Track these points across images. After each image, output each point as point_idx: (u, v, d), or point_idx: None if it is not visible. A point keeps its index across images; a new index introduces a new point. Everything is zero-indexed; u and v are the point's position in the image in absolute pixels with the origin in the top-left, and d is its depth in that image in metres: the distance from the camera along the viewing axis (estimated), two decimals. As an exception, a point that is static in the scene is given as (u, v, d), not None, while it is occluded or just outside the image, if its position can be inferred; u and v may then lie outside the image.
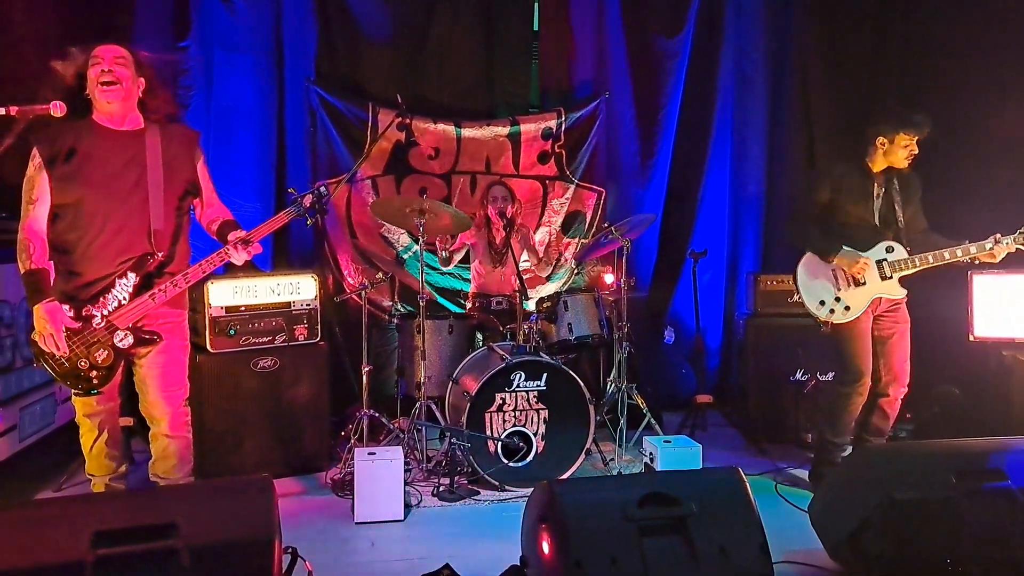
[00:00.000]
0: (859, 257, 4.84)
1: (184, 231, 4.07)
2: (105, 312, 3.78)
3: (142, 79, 3.92)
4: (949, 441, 4.00)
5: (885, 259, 4.88)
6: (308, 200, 4.18)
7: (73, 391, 3.87)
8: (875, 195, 4.95)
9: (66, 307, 3.72)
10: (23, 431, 4.98)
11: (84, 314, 3.76)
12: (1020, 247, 4.62)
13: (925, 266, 4.81)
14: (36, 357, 3.79)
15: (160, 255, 3.88)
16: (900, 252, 4.87)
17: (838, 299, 4.93)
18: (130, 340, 3.83)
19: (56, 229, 3.80)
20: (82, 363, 3.76)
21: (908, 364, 5.00)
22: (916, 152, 4.85)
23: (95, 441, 4.03)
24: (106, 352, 3.79)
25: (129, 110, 3.90)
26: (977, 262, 4.78)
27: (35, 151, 3.75)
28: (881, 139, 4.85)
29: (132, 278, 3.82)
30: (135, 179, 3.86)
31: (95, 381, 3.80)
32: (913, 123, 4.78)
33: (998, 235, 4.63)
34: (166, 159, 3.92)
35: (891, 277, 4.87)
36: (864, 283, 4.88)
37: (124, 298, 3.81)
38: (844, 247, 4.88)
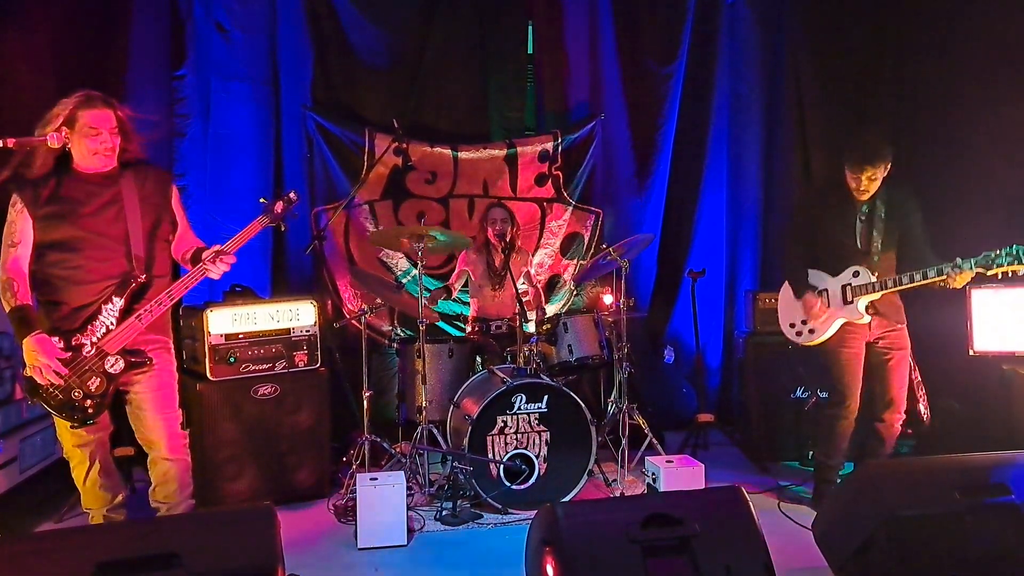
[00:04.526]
0: (815, 306, 4.97)
1: (162, 259, 4.12)
2: (94, 339, 3.83)
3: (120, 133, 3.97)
4: (951, 456, 3.97)
5: (849, 284, 4.91)
6: (279, 207, 4.25)
7: (69, 423, 3.87)
8: (856, 218, 4.97)
9: (55, 339, 3.76)
10: (23, 463, 4.97)
11: (74, 343, 3.80)
12: (980, 270, 4.49)
13: (887, 291, 4.82)
14: (29, 393, 3.81)
15: (142, 277, 3.92)
16: (865, 277, 4.88)
17: (804, 322, 5.09)
18: (121, 365, 3.86)
19: (41, 263, 3.85)
20: (76, 393, 3.78)
21: (905, 390, 5.03)
22: (863, 187, 4.84)
23: (88, 473, 4.03)
24: (99, 380, 3.82)
25: (111, 160, 3.95)
26: (947, 287, 4.68)
27: (15, 198, 3.82)
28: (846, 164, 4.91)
29: (117, 303, 3.86)
30: (115, 213, 3.92)
31: (90, 411, 3.83)
32: (851, 159, 4.83)
33: (958, 259, 4.53)
34: (141, 195, 3.99)
35: (852, 301, 4.90)
36: (827, 306, 4.97)
37: (111, 323, 3.85)
38: (813, 289, 5.01)
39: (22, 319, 3.76)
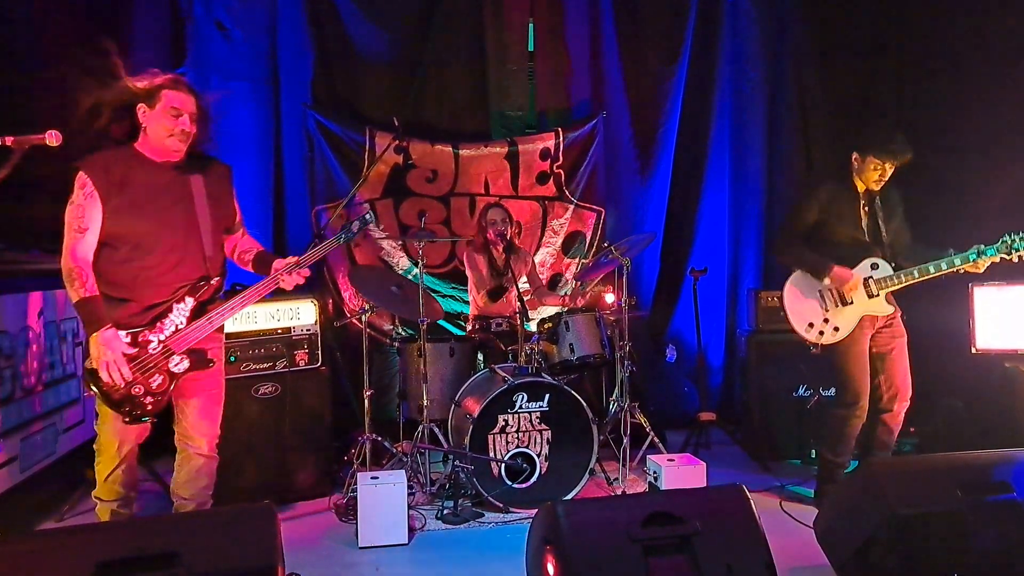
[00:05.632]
0: (849, 278, 4.85)
1: (224, 257, 4.11)
2: (162, 337, 3.76)
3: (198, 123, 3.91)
4: (953, 454, 3.97)
5: (871, 277, 4.87)
6: (355, 227, 4.31)
7: (124, 418, 3.75)
8: (862, 212, 4.96)
9: (122, 333, 3.68)
10: (24, 462, 4.96)
11: (140, 340, 3.73)
12: (1004, 257, 4.58)
13: (910, 281, 4.79)
14: (88, 384, 3.71)
15: (215, 280, 3.90)
16: (885, 269, 4.86)
17: (826, 320, 4.94)
18: (186, 364, 3.80)
19: (108, 258, 3.75)
20: (136, 389, 3.70)
21: (909, 378, 5.00)
22: (887, 176, 4.84)
23: (114, 470, 3.89)
24: (162, 378, 3.76)
25: (182, 149, 3.89)
26: (963, 272, 4.73)
27: (84, 178, 3.66)
28: (856, 155, 4.89)
29: (189, 303, 3.82)
30: (185, 209, 3.86)
31: (148, 407, 3.75)
32: (886, 150, 4.77)
33: (981, 246, 4.61)
34: (209, 191, 3.94)
35: (877, 295, 4.86)
36: (851, 302, 4.89)
37: (181, 323, 3.79)
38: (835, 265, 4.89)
39: (91, 312, 3.64)
